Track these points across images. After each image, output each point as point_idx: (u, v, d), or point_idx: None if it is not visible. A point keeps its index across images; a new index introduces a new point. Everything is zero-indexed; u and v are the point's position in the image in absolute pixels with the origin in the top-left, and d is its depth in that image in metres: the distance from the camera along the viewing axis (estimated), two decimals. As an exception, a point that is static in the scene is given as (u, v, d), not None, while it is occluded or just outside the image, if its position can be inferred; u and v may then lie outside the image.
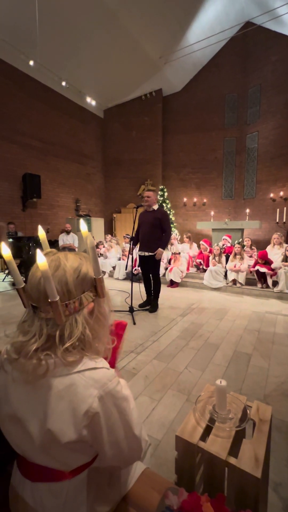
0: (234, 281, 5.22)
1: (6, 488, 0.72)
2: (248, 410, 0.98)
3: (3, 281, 5.84)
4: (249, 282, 5.19)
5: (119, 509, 0.72)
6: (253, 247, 5.87)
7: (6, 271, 6.23)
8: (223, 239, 6.49)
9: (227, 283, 5.30)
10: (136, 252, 4.43)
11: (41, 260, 0.53)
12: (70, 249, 7.44)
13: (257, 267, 4.93)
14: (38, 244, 6.62)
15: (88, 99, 8.79)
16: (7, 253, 0.63)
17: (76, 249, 7.55)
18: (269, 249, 5.33)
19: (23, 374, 0.57)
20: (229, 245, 6.28)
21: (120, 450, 0.62)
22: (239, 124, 9.24)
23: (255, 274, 5.06)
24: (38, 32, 6.20)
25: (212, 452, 0.80)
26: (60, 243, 7.58)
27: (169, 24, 7.29)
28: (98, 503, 0.66)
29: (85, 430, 0.56)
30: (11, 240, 5.66)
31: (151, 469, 0.89)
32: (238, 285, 5.16)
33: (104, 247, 7.19)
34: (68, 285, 0.59)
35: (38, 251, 0.55)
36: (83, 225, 0.67)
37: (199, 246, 6.68)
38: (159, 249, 3.71)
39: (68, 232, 7.70)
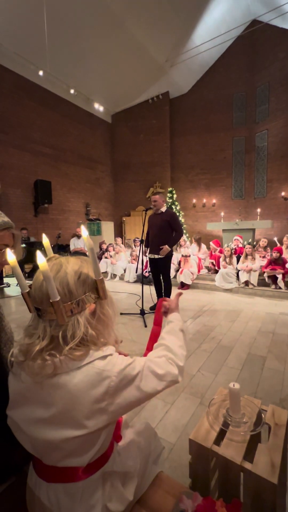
0: (247, 283, 5.13)
1: (23, 488, 0.74)
2: (263, 414, 0.96)
3: (17, 285, 5.98)
4: (261, 283, 5.09)
5: (134, 512, 0.72)
6: (267, 248, 5.75)
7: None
8: (235, 240, 6.40)
9: (239, 285, 5.22)
10: (146, 255, 4.43)
11: (41, 260, 0.56)
12: (82, 253, 7.54)
13: (267, 270, 4.84)
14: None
15: (96, 105, 8.94)
16: (12, 259, 0.65)
17: (88, 253, 7.63)
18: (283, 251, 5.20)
19: (31, 375, 0.58)
20: (241, 245, 6.19)
21: (158, 384, 0.65)
22: (248, 123, 9.13)
23: (266, 278, 4.96)
24: (47, 42, 6.38)
25: (226, 456, 0.79)
26: (72, 247, 7.69)
27: (175, 27, 7.33)
28: (113, 503, 0.67)
29: (108, 405, 0.58)
30: (24, 245, 5.79)
31: (165, 472, 0.89)
32: (250, 286, 5.07)
33: (113, 250, 7.23)
34: (69, 286, 0.61)
35: (38, 252, 0.57)
36: (84, 231, 0.68)
37: (208, 248, 6.61)
38: (166, 246, 3.68)
39: (79, 237, 7.80)
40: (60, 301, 0.58)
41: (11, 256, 0.65)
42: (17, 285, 5.96)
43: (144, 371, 0.64)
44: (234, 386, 0.91)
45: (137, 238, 7.11)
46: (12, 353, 0.62)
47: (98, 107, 8.98)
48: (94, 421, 0.57)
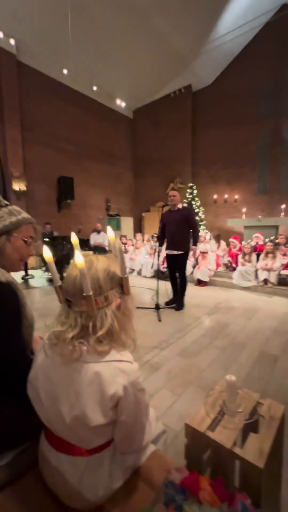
0: (266, 281, 5.00)
1: (36, 452, 0.85)
2: (258, 407, 1.01)
3: (41, 277, 6.31)
4: (282, 282, 4.94)
5: (130, 481, 0.81)
6: (287, 245, 5.55)
7: (44, 268, 6.71)
8: (255, 237, 6.23)
9: (258, 283, 5.10)
10: (163, 251, 4.48)
11: (80, 259, 0.64)
12: (101, 248, 7.74)
13: (286, 271, 4.69)
14: (71, 243, 6.96)
15: (118, 101, 9.01)
16: (48, 255, 0.74)
17: (107, 248, 7.83)
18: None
19: (61, 356, 0.68)
20: (261, 243, 6.01)
21: (127, 431, 0.72)
22: (275, 115, 8.71)
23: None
24: (71, 41, 6.52)
25: (217, 441, 0.85)
26: (92, 242, 7.91)
27: (199, 16, 7.13)
28: (112, 478, 0.76)
29: (111, 412, 0.67)
30: (47, 239, 6.07)
31: (167, 456, 0.96)
32: (269, 284, 4.94)
33: (132, 245, 7.34)
34: (100, 282, 0.68)
35: (77, 252, 0.66)
36: (110, 231, 0.76)
37: (228, 244, 6.50)
38: (192, 247, 3.78)
39: (98, 232, 8.00)
40: (92, 295, 0.65)
41: (47, 253, 0.74)
42: (41, 277, 6.29)
43: (145, 405, 0.74)
44: (230, 378, 0.97)
45: (155, 234, 7.16)
46: (48, 336, 0.71)
47: (120, 103, 9.05)
48: (95, 419, 0.65)
